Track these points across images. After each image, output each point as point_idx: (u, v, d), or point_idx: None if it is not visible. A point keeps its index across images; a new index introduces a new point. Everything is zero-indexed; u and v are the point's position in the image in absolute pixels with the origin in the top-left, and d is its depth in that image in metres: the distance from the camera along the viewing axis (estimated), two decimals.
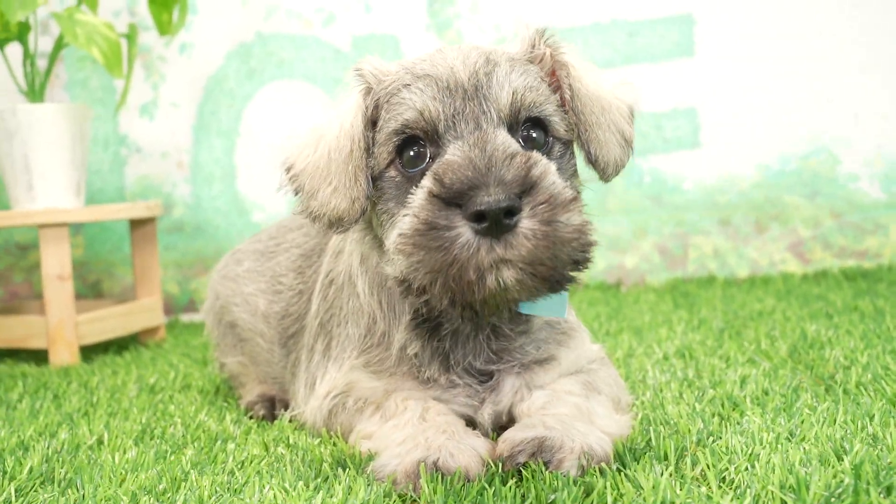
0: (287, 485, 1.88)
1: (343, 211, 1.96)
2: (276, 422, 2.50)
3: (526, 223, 1.70)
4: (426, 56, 2.02)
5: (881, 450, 1.78)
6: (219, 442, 2.30)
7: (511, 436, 1.86)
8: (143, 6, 4.84)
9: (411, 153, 1.92)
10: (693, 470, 1.79)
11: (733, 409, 2.23)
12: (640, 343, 3.20)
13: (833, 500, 1.56)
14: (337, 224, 1.99)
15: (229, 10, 4.90)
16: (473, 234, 1.69)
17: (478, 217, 1.68)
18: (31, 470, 2.11)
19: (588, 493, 1.69)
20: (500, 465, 1.81)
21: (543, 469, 1.77)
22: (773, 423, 2.03)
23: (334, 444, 2.17)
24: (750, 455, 1.81)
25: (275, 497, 1.79)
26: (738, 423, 2.07)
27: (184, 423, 2.51)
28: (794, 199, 4.92)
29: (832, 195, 4.91)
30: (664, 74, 4.89)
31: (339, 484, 1.83)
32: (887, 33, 4.81)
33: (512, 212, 1.68)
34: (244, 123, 4.92)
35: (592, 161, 1.98)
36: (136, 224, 4.28)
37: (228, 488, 1.90)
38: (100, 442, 2.37)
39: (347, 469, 1.94)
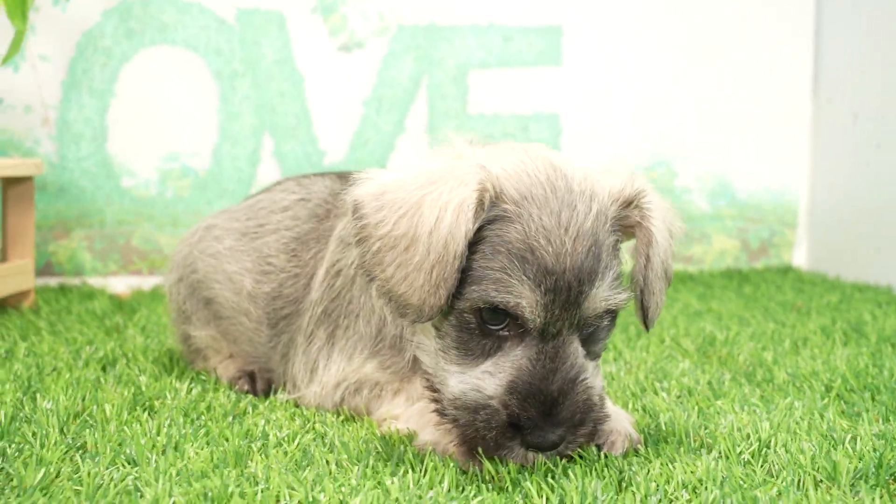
0: (354, 460, 1.99)
1: (410, 304, 1.92)
2: (262, 397, 2.59)
3: (561, 447, 1.94)
4: (541, 198, 1.95)
5: (865, 439, 2.14)
6: (230, 418, 2.35)
7: None
8: None
9: (496, 310, 1.94)
10: (712, 453, 2.08)
11: (700, 400, 2.55)
12: None
13: (856, 482, 1.89)
14: (400, 309, 1.95)
15: None
16: (521, 447, 1.92)
17: (532, 447, 1.91)
18: (56, 440, 2.08)
19: (649, 473, 1.94)
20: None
21: (596, 450, 2.00)
22: (756, 416, 2.36)
23: (357, 422, 2.29)
24: (761, 442, 2.12)
25: (365, 475, 1.91)
26: (719, 414, 2.39)
27: (176, 396, 2.51)
28: None
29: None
30: (533, 79, 5.21)
31: (423, 468, 1.96)
32: (729, 64, 5.39)
33: (559, 444, 1.93)
34: (120, 84, 4.76)
35: (644, 320, 2.12)
36: (12, 182, 4.06)
37: (294, 462, 1.98)
38: (92, 415, 2.34)
39: (406, 449, 2.07)
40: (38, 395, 2.48)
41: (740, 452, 2.08)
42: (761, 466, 2.00)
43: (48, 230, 4.75)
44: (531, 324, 1.91)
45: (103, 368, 2.87)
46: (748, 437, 2.16)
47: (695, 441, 2.17)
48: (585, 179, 2.02)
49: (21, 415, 2.30)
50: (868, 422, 2.30)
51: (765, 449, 2.09)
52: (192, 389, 2.60)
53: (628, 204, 2.05)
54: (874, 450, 2.02)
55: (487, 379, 1.93)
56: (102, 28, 4.74)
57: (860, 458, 2.00)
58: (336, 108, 5.01)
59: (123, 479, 1.86)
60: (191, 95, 4.84)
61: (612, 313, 2.02)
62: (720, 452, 2.09)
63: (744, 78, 5.43)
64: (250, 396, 2.56)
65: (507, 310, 1.91)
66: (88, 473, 1.87)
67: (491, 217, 1.94)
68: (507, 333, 1.94)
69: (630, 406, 2.49)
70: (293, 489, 1.81)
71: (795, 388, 2.68)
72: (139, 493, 1.78)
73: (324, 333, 2.44)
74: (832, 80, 5.40)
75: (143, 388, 2.59)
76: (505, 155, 2.06)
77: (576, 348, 1.96)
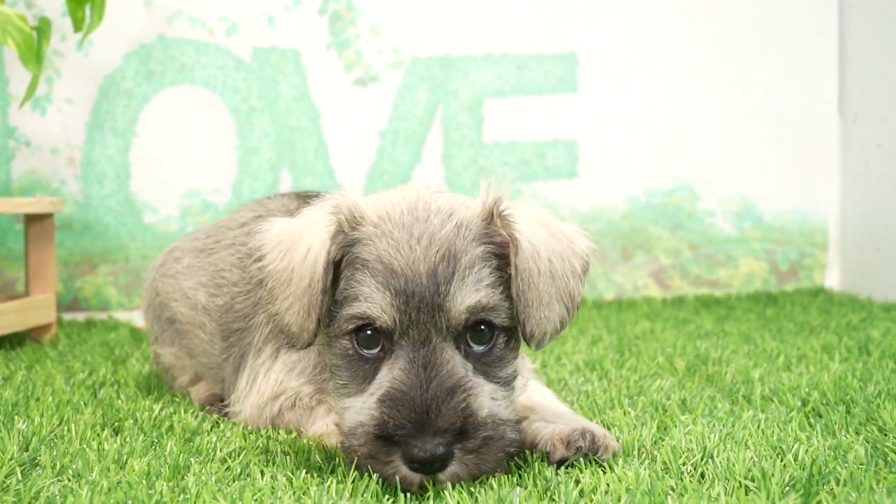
0: (289, 472, 2.02)
1: (293, 332, 2.07)
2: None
3: (454, 467, 1.87)
4: (397, 218, 2.03)
5: (814, 449, 2.10)
6: (188, 435, 2.40)
7: (558, 429, 2.08)
8: None
9: (368, 332, 1.99)
10: (655, 464, 2.05)
11: (664, 415, 2.52)
12: (549, 355, 3.48)
13: (787, 489, 1.85)
14: (289, 339, 2.15)
15: (132, 11, 4.89)
16: (409, 469, 1.87)
17: (412, 461, 1.85)
18: (12, 455, 2.15)
19: (577, 484, 1.93)
20: (547, 454, 2.06)
21: (591, 455, 2.05)
22: (710, 428, 2.33)
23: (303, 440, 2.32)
24: (704, 453, 2.09)
25: (287, 481, 1.93)
26: (676, 427, 2.36)
27: (143, 417, 2.58)
28: (657, 230, 5.37)
29: (691, 228, 5.38)
30: (549, 107, 5.24)
31: (344, 474, 1.98)
32: (749, 84, 5.34)
33: (445, 459, 1.86)
34: (141, 124, 4.92)
35: (527, 337, 2.02)
36: (33, 219, 4.21)
37: (231, 475, 2.02)
38: (60, 435, 2.41)
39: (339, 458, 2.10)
40: (15, 418, 2.56)
41: (683, 463, 2.06)
42: (698, 477, 1.97)
43: (74, 266, 4.91)
44: (387, 326, 1.94)
45: (93, 394, 2.95)
46: (692, 449, 2.13)
47: (641, 453, 2.15)
48: (448, 202, 2.07)
49: None
50: (825, 434, 2.25)
51: (707, 459, 2.06)
52: (163, 410, 2.66)
53: (490, 215, 2.03)
54: (812, 460, 1.98)
55: (368, 399, 1.96)
56: (124, 71, 4.91)
57: (802, 468, 1.96)
58: (353, 141, 5.10)
59: (62, 492, 1.92)
60: (210, 133, 4.97)
61: (486, 322, 1.99)
62: (663, 463, 2.07)
63: (765, 97, 5.38)
64: (216, 417, 2.61)
65: (365, 320, 1.97)
66: (28, 486, 1.93)
67: (352, 240, 2.02)
68: (382, 355, 1.98)
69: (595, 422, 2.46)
70: (216, 500, 1.84)
71: (766, 403, 2.63)
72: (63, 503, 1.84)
73: (270, 349, 2.52)
74: (859, 94, 5.31)
75: (118, 411, 2.66)
76: (383, 192, 2.18)
77: (451, 357, 1.94)
